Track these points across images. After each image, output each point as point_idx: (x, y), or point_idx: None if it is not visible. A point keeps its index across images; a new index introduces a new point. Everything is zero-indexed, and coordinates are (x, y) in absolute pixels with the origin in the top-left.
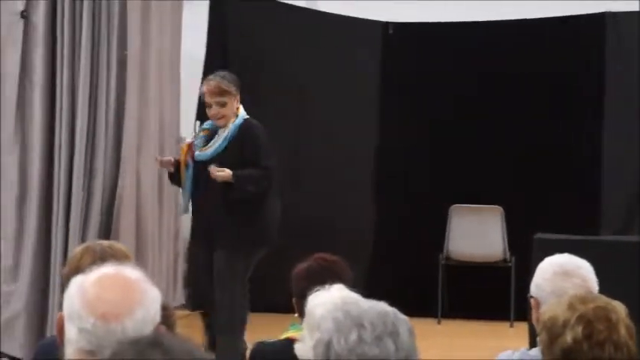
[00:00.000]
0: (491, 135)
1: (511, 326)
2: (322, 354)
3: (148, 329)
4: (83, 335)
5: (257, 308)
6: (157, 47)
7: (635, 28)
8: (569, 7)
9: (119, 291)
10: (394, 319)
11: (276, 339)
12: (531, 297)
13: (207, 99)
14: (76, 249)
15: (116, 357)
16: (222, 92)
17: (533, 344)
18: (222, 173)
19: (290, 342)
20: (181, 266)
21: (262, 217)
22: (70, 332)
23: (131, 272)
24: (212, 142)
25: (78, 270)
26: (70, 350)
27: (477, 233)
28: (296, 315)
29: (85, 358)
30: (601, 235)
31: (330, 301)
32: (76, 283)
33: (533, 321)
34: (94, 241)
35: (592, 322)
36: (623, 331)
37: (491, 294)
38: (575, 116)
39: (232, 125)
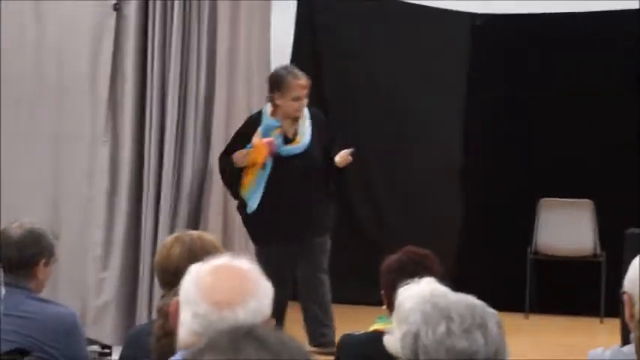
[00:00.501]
0: (579, 126)
1: (601, 322)
2: (410, 346)
3: (258, 320)
4: (197, 320)
5: (345, 300)
6: (245, 43)
7: None
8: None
9: (233, 281)
10: (482, 312)
11: (363, 331)
12: (624, 293)
13: (299, 92)
14: (166, 239)
15: (211, 344)
16: (309, 85)
17: (625, 341)
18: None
19: (377, 334)
20: None
21: (335, 199)
22: (185, 316)
23: (245, 263)
24: (299, 134)
25: (168, 259)
26: (182, 331)
27: (566, 227)
28: (384, 307)
29: (196, 339)
30: None
31: (418, 293)
32: (192, 271)
33: (626, 318)
34: (184, 232)
35: None
36: None
37: (581, 289)
38: None
39: (307, 114)
